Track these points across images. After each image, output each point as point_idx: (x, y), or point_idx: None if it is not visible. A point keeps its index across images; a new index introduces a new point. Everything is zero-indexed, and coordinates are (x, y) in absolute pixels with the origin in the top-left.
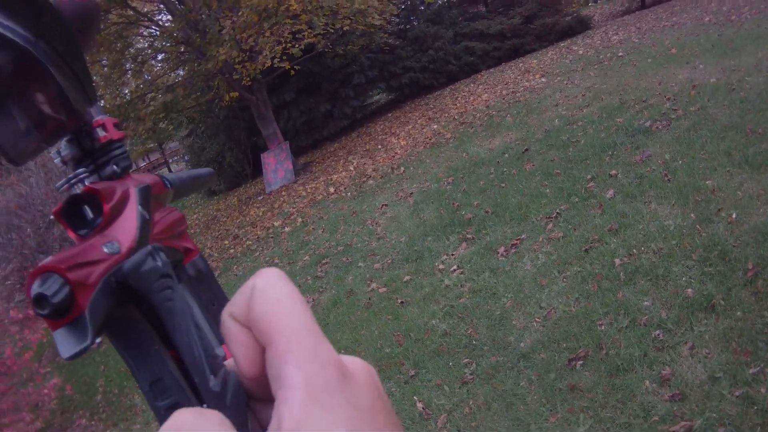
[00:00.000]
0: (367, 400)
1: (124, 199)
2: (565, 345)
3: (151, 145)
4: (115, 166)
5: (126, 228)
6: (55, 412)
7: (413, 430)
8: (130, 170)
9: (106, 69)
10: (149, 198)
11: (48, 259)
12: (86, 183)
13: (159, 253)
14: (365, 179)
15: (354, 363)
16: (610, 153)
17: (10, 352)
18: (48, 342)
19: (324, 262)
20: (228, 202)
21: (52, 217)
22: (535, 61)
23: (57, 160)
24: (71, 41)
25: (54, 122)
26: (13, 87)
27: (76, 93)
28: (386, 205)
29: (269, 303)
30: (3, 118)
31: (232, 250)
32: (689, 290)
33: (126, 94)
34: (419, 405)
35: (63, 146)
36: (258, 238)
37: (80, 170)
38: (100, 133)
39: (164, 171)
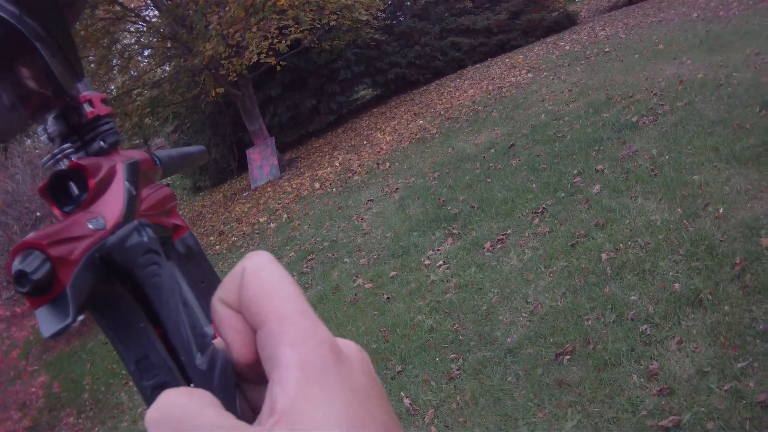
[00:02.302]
0: (362, 382)
1: (111, 175)
2: (552, 340)
3: (137, 141)
4: (102, 142)
5: (112, 204)
6: (43, 410)
7: (401, 426)
8: (119, 146)
9: (92, 65)
10: (137, 174)
11: (30, 235)
12: (72, 159)
13: (145, 228)
14: (351, 175)
15: (347, 345)
16: (596, 148)
17: None
18: (35, 340)
19: (310, 257)
20: (213, 198)
21: (38, 214)
22: (521, 56)
23: (44, 137)
24: (57, 16)
25: (40, 98)
26: None
27: (62, 68)
28: (372, 200)
29: (261, 284)
30: None
31: (217, 247)
32: (676, 285)
33: (112, 89)
34: (406, 401)
35: (50, 122)
36: (243, 234)
37: (66, 146)
38: (87, 108)
39: None
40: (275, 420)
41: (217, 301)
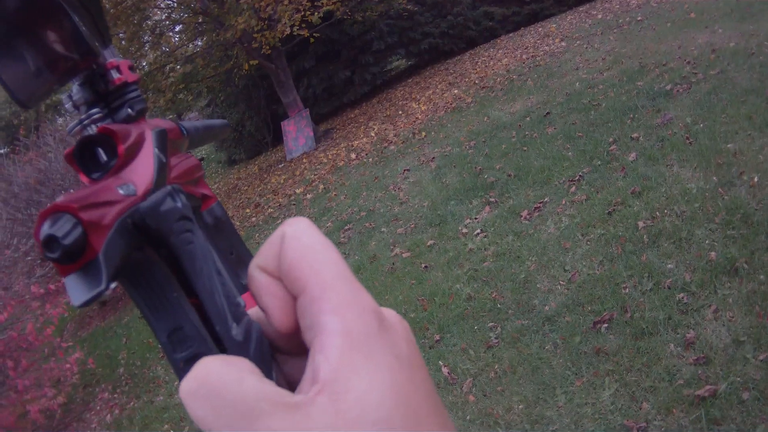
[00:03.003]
0: (406, 351)
1: (140, 142)
2: (589, 308)
3: (171, 116)
4: (129, 109)
5: (142, 170)
6: (78, 386)
7: (439, 395)
8: (145, 114)
9: (123, 42)
10: (165, 142)
11: (59, 199)
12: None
13: (179, 194)
14: (386, 144)
15: (389, 314)
16: (631, 116)
17: (32, 328)
18: (69, 316)
19: (347, 227)
20: (249, 171)
21: (71, 191)
22: (554, 25)
23: (68, 105)
24: None
25: (66, 61)
26: (24, 25)
27: (89, 32)
28: (408, 170)
29: (302, 250)
30: (12, 60)
31: (254, 219)
32: (712, 253)
33: (144, 66)
34: (444, 370)
35: (75, 90)
36: (280, 205)
37: (94, 111)
38: (114, 75)
39: None
40: (318, 389)
41: (255, 268)
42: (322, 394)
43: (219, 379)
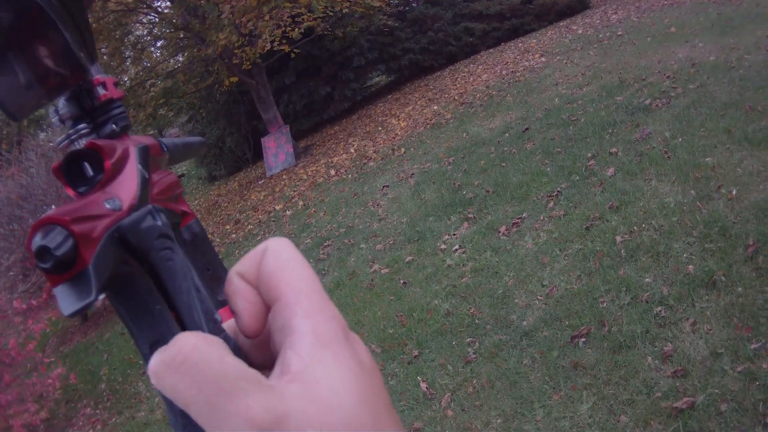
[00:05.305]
0: (368, 362)
1: (125, 157)
2: (567, 322)
3: (151, 132)
4: (114, 125)
5: (127, 186)
6: (60, 401)
7: (418, 410)
8: (129, 130)
9: (105, 57)
10: (148, 158)
11: (51, 211)
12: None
13: (159, 213)
14: (366, 161)
15: (352, 333)
16: (610, 131)
17: (14, 343)
18: (51, 332)
19: (326, 244)
20: (229, 187)
21: (53, 207)
22: (534, 41)
23: (55, 119)
24: None
25: (56, 76)
26: (17, 39)
27: (78, 48)
28: (387, 186)
29: (281, 262)
30: (4, 73)
31: (233, 235)
32: (690, 267)
33: (126, 81)
34: (423, 385)
35: (61, 104)
36: (259, 222)
37: (81, 126)
38: (101, 91)
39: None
40: (289, 378)
41: (234, 274)
42: (293, 383)
43: (201, 355)
